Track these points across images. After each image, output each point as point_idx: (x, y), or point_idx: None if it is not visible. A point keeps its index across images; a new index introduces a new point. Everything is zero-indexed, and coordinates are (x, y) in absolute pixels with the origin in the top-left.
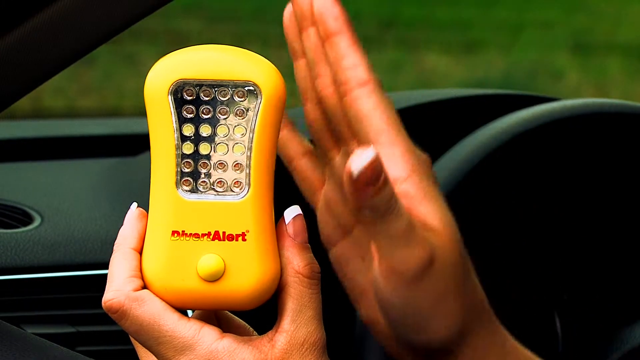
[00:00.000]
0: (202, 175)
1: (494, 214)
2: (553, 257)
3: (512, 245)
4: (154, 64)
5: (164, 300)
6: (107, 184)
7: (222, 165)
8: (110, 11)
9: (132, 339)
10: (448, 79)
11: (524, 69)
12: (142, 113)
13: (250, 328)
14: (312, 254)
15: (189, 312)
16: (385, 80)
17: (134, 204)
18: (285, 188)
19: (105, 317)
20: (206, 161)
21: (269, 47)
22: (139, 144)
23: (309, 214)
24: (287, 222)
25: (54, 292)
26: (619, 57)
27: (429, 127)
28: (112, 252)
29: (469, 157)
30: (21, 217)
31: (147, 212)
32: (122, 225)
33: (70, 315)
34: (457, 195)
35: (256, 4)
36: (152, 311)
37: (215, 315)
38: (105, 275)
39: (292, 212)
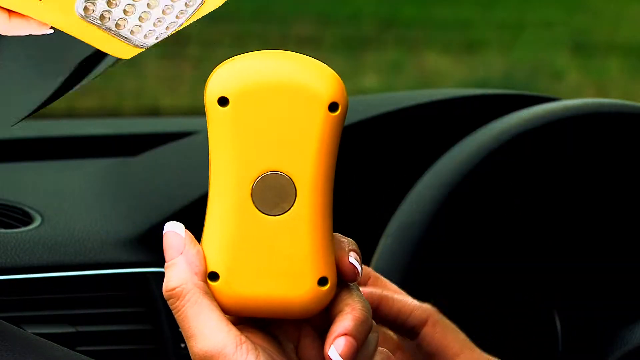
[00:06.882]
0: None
1: (494, 214)
2: (553, 257)
3: (512, 245)
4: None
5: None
6: (107, 184)
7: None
8: None
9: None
10: (448, 79)
11: (524, 69)
12: (142, 113)
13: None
14: None
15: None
16: (385, 80)
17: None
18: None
19: (105, 317)
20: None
21: (269, 47)
22: (139, 144)
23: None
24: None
25: (54, 292)
26: (619, 57)
27: (429, 127)
28: (112, 252)
29: (469, 158)
30: (21, 217)
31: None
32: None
33: (70, 315)
34: (457, 196)
35: (256, 4)
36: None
37: None
38: (106, 275)
39: None
